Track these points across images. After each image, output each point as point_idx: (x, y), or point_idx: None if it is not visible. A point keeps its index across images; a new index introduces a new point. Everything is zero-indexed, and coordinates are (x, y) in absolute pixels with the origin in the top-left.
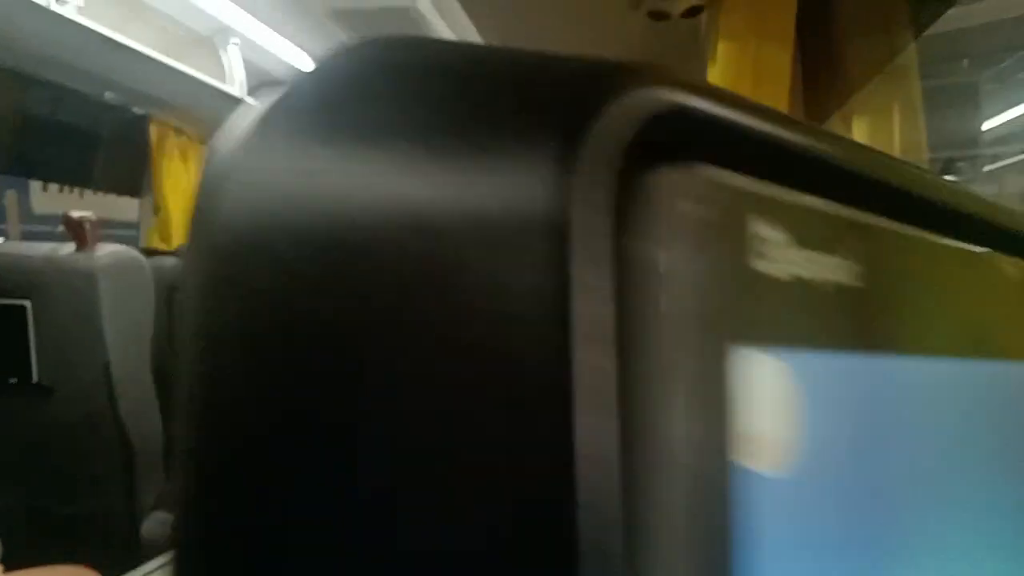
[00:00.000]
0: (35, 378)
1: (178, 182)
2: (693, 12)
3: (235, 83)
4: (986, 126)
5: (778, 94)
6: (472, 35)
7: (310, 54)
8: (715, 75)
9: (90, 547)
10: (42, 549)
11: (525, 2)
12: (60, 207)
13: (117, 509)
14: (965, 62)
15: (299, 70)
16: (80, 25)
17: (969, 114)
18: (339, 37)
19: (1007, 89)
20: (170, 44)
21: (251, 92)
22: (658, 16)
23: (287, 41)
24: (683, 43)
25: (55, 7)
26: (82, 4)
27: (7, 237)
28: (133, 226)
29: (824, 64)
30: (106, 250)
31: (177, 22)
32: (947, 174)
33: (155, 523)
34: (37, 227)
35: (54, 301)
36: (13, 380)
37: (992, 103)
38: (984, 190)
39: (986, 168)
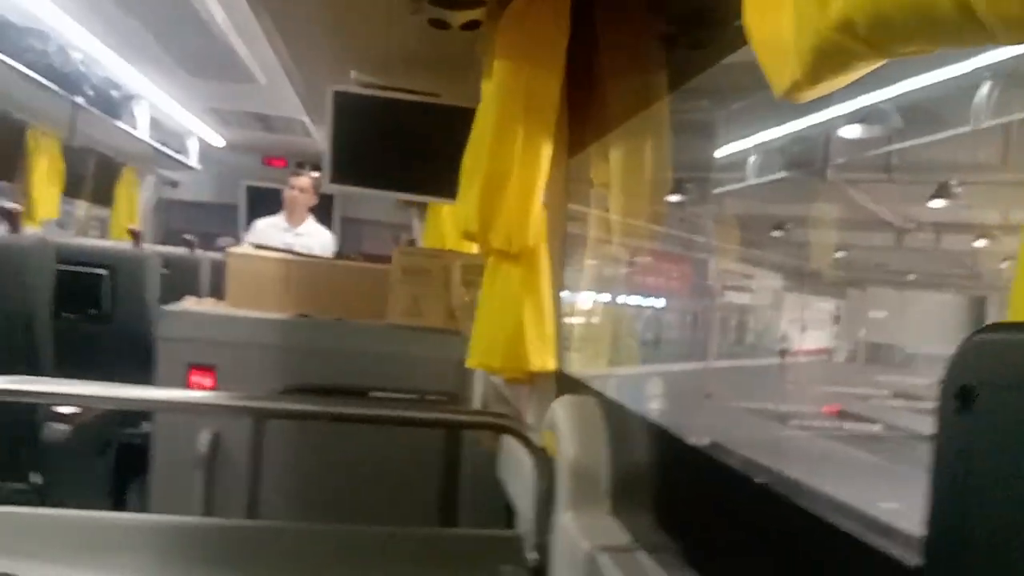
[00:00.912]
0: None
1: None
2: (472, 25)
3: None
4: (717, 155)
5: (546, 120)
6: (249, 20)
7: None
8: (489, 91)
9: None
10: None
11: None
12: None
13: None
14: (706, 101)
15: None
16: None
17: (704, 143)
18: None
19: (737, 126)
20: None
21: None
22: (438, 25)
23: None
24: (462, 53)
25: None
26: None
27: None
28: None
29: (589, 97)
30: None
31: None
32: (677, 193)
33: None
34: None
35: None
36: None
37: (724, 135)
38: (708, 209)
39: (714, 191)
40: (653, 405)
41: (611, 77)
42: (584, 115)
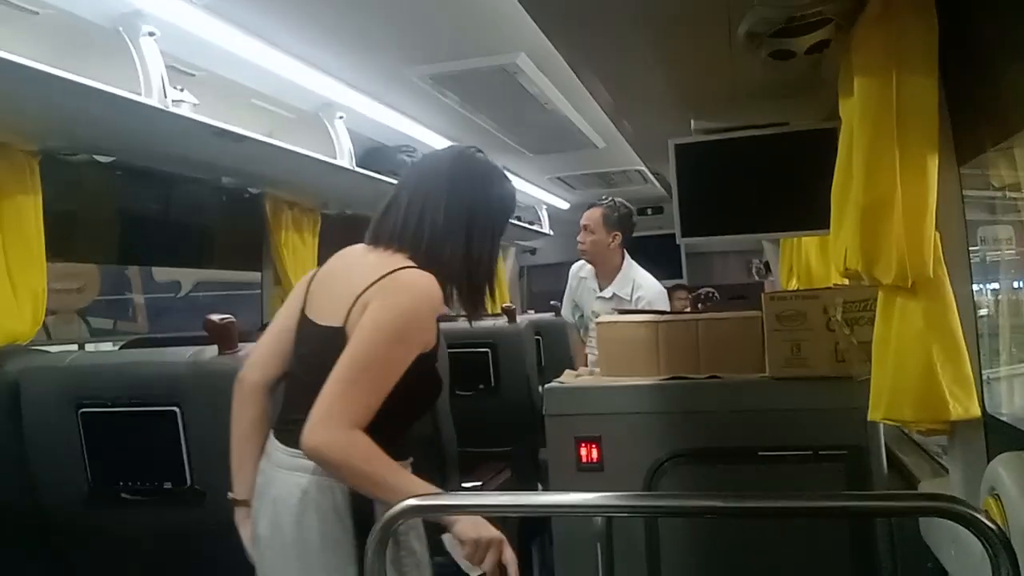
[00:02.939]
0: (189, 482)
1: (295, 252)
2: (818, 47)
3: (343, 154)
4: None
5: (927, 127)
6: (572, 84)
7: (413, 119)
8: (851, 110)
9: None
10: None
11: (629, 47)
12: (178, 275)
13: None
14: None
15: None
16: (195, 120)
17: None
18: (440, 99)
19: None
20: (277, 125)
21: (360, 161)
22: (781, 56)
23: (389, 109)
24: (806, 76)
25: (171, 108)
26: (196, 102)
27: (133, 305)
28: (256, 285)
29: (975, 96)
30: (246, 350)
31: (282, 103)
32: None
33: None
34: (159, 295)
35: (202, 405)
36: (168, 485)
37: None
38: None
39: None
40: None
41: (1000, 70)
42: (971, 117)
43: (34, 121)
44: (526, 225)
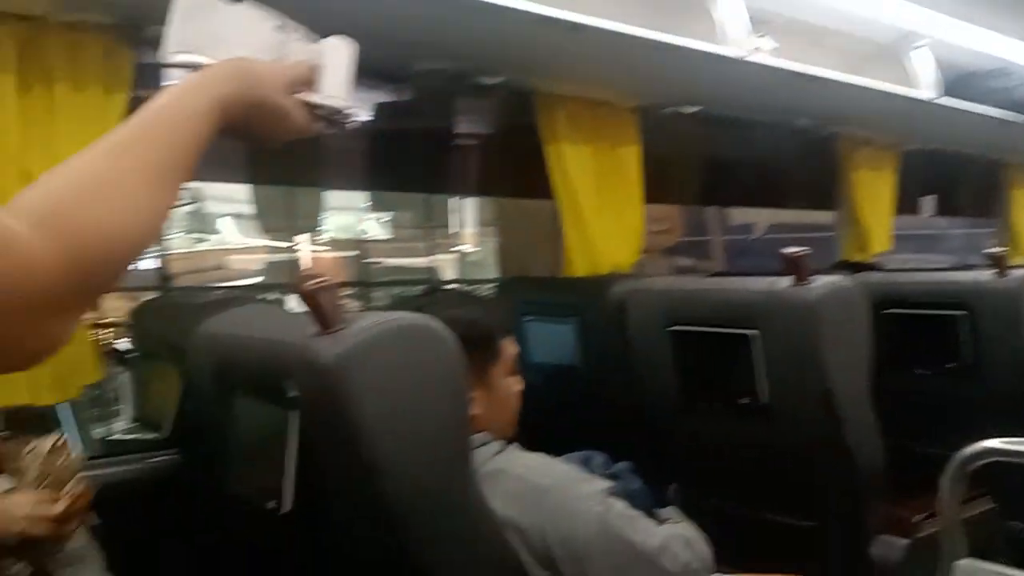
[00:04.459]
0: (763, 400)
1: (871, 192)
2: None
3: (924, 85)
4: None
5: None
6: None
7: (1008, 35)
8: None
9: (813, 560)
10: (766, 556)
11: None
12: (751, 218)
13: (842, 528)
14: None
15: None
16: (773, 67)
17: None
18: None
19: None
20: (851, 61)
21: (948, 90)
22: None
23: (978, 29)
24: None
25: (751, 57)
26: (776, 45)
27: (710, 245)
28: (828, 228)
29: None
30: (821, 282)
31: (858, 38)
32: None
33: (882, 546)
34: (734, 237)
35: (776, 331)
36: (745, 401)
37: None
38: None
39: None
40: None
41: None
42: None
43: (631, 80)
44: None
